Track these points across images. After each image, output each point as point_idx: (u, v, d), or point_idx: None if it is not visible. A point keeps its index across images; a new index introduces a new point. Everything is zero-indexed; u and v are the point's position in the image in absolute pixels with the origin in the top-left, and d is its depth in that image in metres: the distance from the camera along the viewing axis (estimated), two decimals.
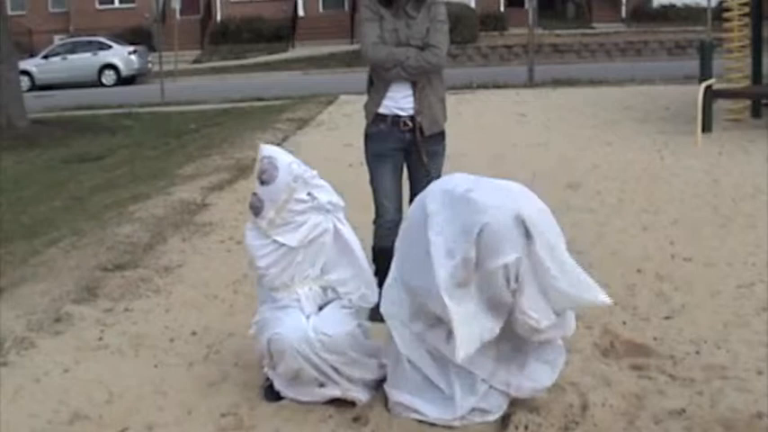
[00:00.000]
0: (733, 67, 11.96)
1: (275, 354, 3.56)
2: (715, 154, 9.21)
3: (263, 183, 3.56)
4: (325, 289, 3.68)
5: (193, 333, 4.59)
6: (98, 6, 35.97)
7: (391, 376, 3.56)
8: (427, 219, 3.29)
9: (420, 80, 4.48)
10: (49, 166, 11.59)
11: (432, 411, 3.42)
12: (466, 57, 28.09)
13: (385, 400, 3.56)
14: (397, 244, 3.54)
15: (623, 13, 33.43)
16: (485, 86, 18.14)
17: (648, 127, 11.31)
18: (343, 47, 30.84)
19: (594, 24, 32.73)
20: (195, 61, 31.91)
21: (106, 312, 4.94)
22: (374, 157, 4.62)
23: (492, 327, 3.26)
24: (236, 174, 9.02)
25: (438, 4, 4.52)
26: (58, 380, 4.03)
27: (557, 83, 18.29)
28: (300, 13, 34.64)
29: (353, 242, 3.71)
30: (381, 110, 4.53)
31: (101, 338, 4.54)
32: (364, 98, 4.73)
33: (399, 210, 4.57)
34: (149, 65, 28.74)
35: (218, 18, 34.61)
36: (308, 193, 3.60)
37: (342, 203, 3.72)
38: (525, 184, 3.46)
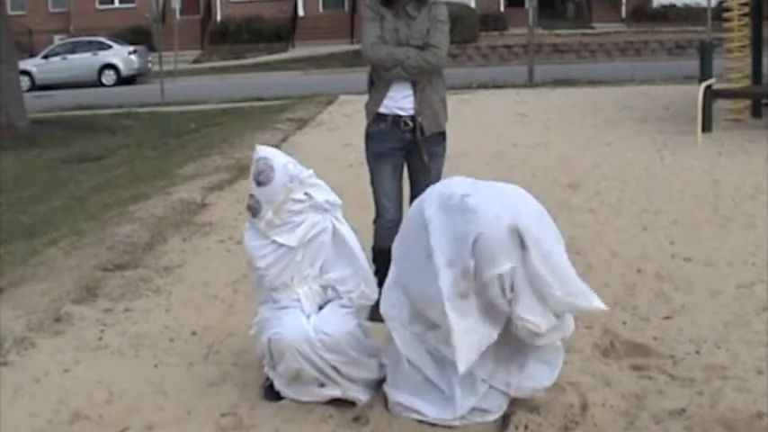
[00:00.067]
0: (733, 67, 11.95)
1: (275, 353, 3.56)
2: (715, 154, 9.21)
3: (259, 184, 3.56)
4: (324, 288, 3.68)
5: (193, 333, 4.59)
6: (98, 6, 36.00)
7: (391, 376, 3.56)
8: (426, 225, 3.30)
9: (420, 80, 4.48)
10: (49, 166, 11.59)
11: (432, 411, 3.42)
12: (466, 57, 28.09)
13: (385, 400, 3.56)
14: (395, 248, 3.54)
15: (623, 13, 33.43)
16: (485, 86, 18.15)
17: (648, 127, 11.31)
18: (343, 47, 30.85)
19: (594, 24, 32.73)
20: (195, 61, 31.92)
21: (106, 312, 4.94)
22: (374, 157, 4.62)
23: (490, 333, 3.28)
24: (236, 174, 9.02)
25: (439, 4, 4.53)
26: (58, 380, 4.03)
27: (557, 83, 18.30)
28: (300, 13, 34.66)
29: (352, 240, 3.71)
30: (382, 109, 4.53)
31: (101, 338, 4.54)
32: (364, 98, 4.73)
33: (399, 209, 4.57)
34: (149, 65, 28.73)
35: (218, 18, 34.62)
36: (305, 193, 3.60)
37: (339, 202, 3.73)
38: (524, 185, 3.46)
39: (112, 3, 36.11)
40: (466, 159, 8.80)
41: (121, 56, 28.04)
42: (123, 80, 27.73)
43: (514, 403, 3.46)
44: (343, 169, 8.66)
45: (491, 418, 3.42)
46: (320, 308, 3.65)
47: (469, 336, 3.21)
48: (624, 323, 4.47)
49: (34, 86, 26.29)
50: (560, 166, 8.88)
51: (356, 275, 3.69)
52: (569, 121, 12.37)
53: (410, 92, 4.50)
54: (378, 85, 4.56)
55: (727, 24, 11.92)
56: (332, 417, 3.54)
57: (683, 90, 13.73)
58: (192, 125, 14.70)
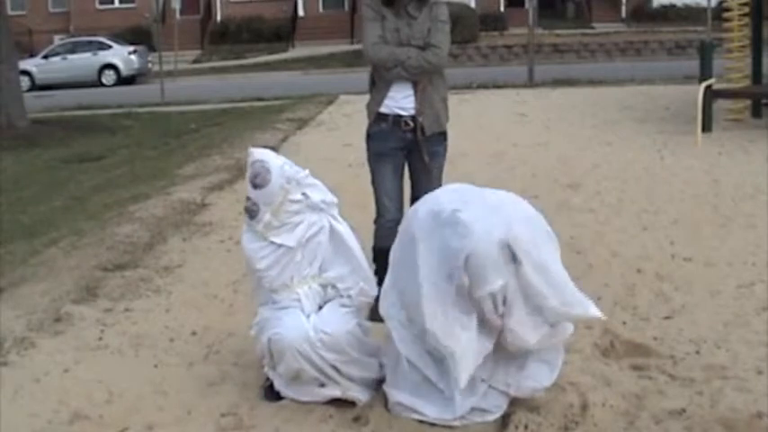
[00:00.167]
0: (733, 67, 11.95)
1: (275, 353, 3.56)
2: (715, 154, 9.21)
3: (256, 186, 3.56)
4: (324, 286, 3.68)
5: (193, 333, 4.59)
6: (98, 6, 35.99)
7: (391, 376, 3.56)
8: (415, 245, 3.32)
9: (421, 80, 4.48)
10: (49, 166, 11.59)
11: (431, 411, 3.43)
12: (466, 57, 28.09)
13: (385, 400, 3.56)
14: (392, 253, 3.55)
15: (623, 13, 33.43)
16: (485, 86, 18.15)
17: (648, 127, 11.31)
18: (343, 47, 30.85)
19: (594, 24, 32.73)
20: (195, 61, 31.92)
21: (106, 312, 4.94)
22: (375, 157, 4.62)
23: (487, 346, 3.31)
24: (236, 174, 9.01)
25: (439, 4, 4.53)
26: (58, 380, 4.03)
27: (557, 83, 18.30)
28: (300, 13, 34.66)
29: (350, 238, 3.72)
30: (383, 109, 4.53)
31: (101, 338, 4.54)
32: (364, 98, 4.73)
33: (400, 209, 4.57)
34: (149, 65, 28.73)
35: (218, 18, 34.62)
36: (303, 193, 3.61)
37: (335, 200, 3.74)
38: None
39: (112, 3, 36.11)
40: (466, 159, 8.81)
41: (121, 56, 28.04)
42: (123, 80, 27.73)
43: (514, 403, 3.46)
44: (343, 169, 8.67)
45: (491, 417, 3.42)
46: (320, 308, 3.66)
47: (468, 353, 3.24)
48: (624, 323, 4.47)
49: (34, 86, 26.28)
50: (560, 166, 8.88)
51: (355, 273, 3.69)
52: (569, 121, 12.36)
53: (411, 92, 4.50)
54: (379, 85, 4.57)
55: (727, 24, 11.92)
56: (332, 417, 3.54)
57: (683, 90, 13.73)
58: (192, 125, 14.70)
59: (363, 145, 4.71)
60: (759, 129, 10.77)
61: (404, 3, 4.46)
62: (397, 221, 4.25)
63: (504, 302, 3.23)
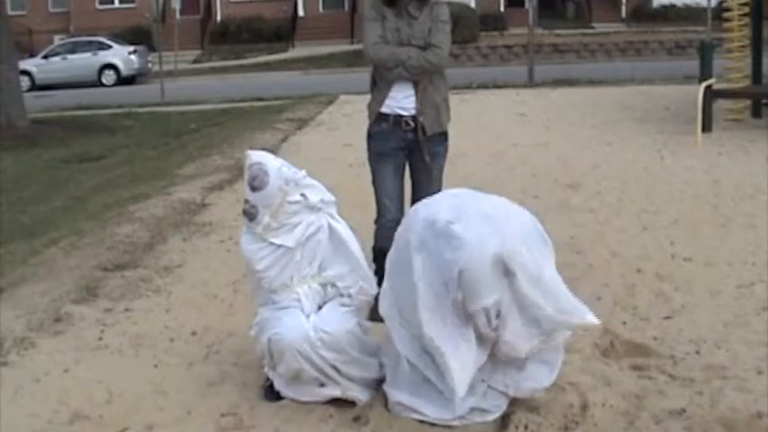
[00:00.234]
0: (733, 67, 11.95)
1: (275, 353, 3.56)
2: (715, 154, 9.21)
3: (254, 189, 3.56)
4: (324, 286, 3.69)
5: (193, 333, 4.59)
6: (98, 6, 36.00)
7: (390, 376, 3.56)
8: (410, 255, 3.33)
9: (422, 80, 4.48)
10: (49, 166, 11.59)
11: (431, 411, 3.43)
12: (466, 57, 28.09)
13: (385, 399, 3.56)
14: (389, 258, 3.55)
15: (623, 13, 33.43)
16: (485, 86, 18.15)
17: (648, 127, 11.31)
18: (343, 47, 30.85)
19: (594, 24, 32.73)
20: (195, 61, 31.92)
21: (106, 312, 4.94)
22: (376, 157, 4.62)
23: (482, 356, 3.32)
24: (236, 174, 9.01)
25: (440, 4, 4.53)
26: (58, 380, 4.03)
27: (557, 83, 18.30)
28: (300, 13, 34.66)
29: (348, 237, 3.72)
30: (383, 109, 4.53)
31: (101, 338, 4.54)
32: (364, 98, 4.73)
33: (401, 209, 4.57)
34: (149, 65, 28.73)
35: (218, 18, 34.62)
36: (301, 194, 3.61)
37: (333, 199, 3.74)
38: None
39: (112, 3, 36.11)
40: (466, 159, 8.81)
41: (121, 56, 28.04)
42: (123, 80, 27.73)
43: (514, 403, 3.46)
44: (343, 169, 8.67)
45: (491, 417, 3.43)
46: (319, 307, 3.66)
47: (464, 363, 3.26)
48: (624, 323, 4.47)
49: (34, 86, 26.28)
50: (560, 166, 8.88)
51: (354, 272, 3.69)
52: (569, 121, 12.36)
53: (412, 92, 4.50)
54: (380, 85, 4.57)
55: (727, 24, 11.92)
56: (332, 417, 3.54)
57: (683, 90, 13.72)
58: (192, 125, 14.70)
59: (363, 145, 4.72)
60: (759, 129, 10.76)
61: (405, 3, 4.46)
62: (398, 222, 4.24)
63: (498, 316, 3.25)
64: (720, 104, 11.35)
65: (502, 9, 33.01)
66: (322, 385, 3.60)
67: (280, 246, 3.59)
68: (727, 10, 11.90)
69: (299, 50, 31.88)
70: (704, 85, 10.52)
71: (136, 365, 4.19)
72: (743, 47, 11.89)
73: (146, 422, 3.58)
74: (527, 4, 21.70)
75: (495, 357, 3.37)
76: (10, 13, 20.15)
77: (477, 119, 12.63)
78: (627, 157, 9.22)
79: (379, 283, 3.66)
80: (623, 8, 33.53)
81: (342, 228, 3.72)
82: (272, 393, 3.70)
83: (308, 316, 3.59)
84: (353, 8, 32.93)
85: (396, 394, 3.50)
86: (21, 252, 6.39)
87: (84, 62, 27.82)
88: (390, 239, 3.67)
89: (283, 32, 33.34)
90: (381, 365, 3.66)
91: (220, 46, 33.30)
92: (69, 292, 5.21)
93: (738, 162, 8.77)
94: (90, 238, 6.62)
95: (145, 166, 10.53)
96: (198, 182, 8.76)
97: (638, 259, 5.56)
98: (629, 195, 7.45)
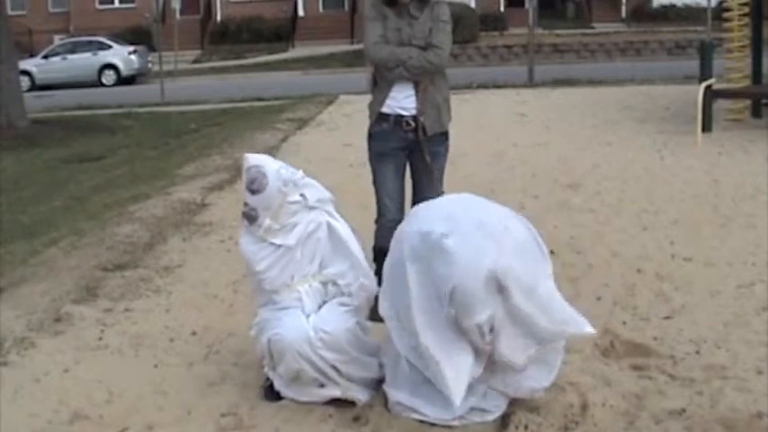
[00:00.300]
0: (733, 67, 11.95)
1: (275, 354, 3.56)
2: (715, 154, 9.21)
3: (253, 192, 3.56)
4: (325, 284, 3.69)
5: (193, 333, 4.59)
6: (98, 6, 36.00)
7: (390, 376, 3.56)
8: (404, 266, 3.33)
9: (423, 80, 4.48)
10: (49, 166, 11.59)
11: (431, 411, 3.43)
12: (466, 57, 28.09)
13: (385, 399, 3.56)
14: (386, 264, 3.55)
15: (623, 13, 33.43)
16: (485, 86, 18.15)
17: (648, 127, 11.31)
18: (343, 47, 30.86)
19: (594, 24, 32.73)
20: (195, 61, 31.92)
21: (106, 312, 4.94)
22: (377, 157, 4.62)
23: (478, 369, 3.33)
24: (235, 174, 9.01)
25: (441, 4, 4.53)
26: (58, 380, 4.03)
27: (557, 83, 18.30)
28: (300, 13, 34.66)
29: (347, 234, 3.73)
30: (384, 109, 4.54)
31: (101, 338, 4.54)
32: (364, 98, 4.73)
33: (401, 209, 4.57)
34: (149, 65, 28.73)
35: (218, 18, 34.62)
36: (301, 194, 3.62)
37: (331, 197, 3.75)
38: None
39: (112, 3, 36.11)
40: (466, 159, 8.81)
41: (121, 56, 28.04)
42: (123, 80, 27.73)
43: (514, 403, 3.46)
44: (343, 169, 8.67)
45: (490, 417, 3.43)
46: (320, 306, 3.66)
47: (460, 372, 3.27)
48: (624, 323, 4.47)
49: (34, 86, 26.29)
50: (560, 166, 8.88)
51: (354, 269, 3.69)
52: (569, 121, 12.36)
53: (412, 92, 4.50)
54: (380, 85, 4.57)
55: (727, 24, 11.92)
56: (332, 417, 3.54)
57: (683, 90, 13.73)
58: (192, 125, 14.70)
59: (363, 145, 4.72)
60: (759, 129, 10.76)
61: (405, 2, 4.46)
62: (398, 221, 4.25)
63: (492, 330, 3.25)
64: (720, 104, 11.35)
65: (502, 9, 33.01)
66: (322, 386, 3.60)
67: (280, 245, 3.59)
68: (727, 10, 11.90)
69: (299, 50, 31.89)
70: (704, 85, 10.52)
71: (136, 365, 4.19)
72: (743, 47, 11.89)
73: (146, 422, 3.58)
74: (527, 4, 21.70)
75: (494, 363, 3.37)
76: (10, 13, 20.14)
77: (477, 119, 12.63)
78: (627, 157, 9.22)
79: (380, 283, 3.66)
80: (623, 8, 33.53)
81: (341, 226, 3.73)
82: (272, 393, 3.70)
83: (308, 316, 3.59)
84: (353, 8, 32.93)
85: (395, 394, 3.50)
86: (21, 252, 6.39)
87: (84, 62, 27.83)
88: (390, 239, 3.67)
89: (283, 32, 33.34)
90: (381, 365, 3.66)
91: (220, 46, 33.31)
92: (69, 292, 5.21)
93: (738, 162, 8.77)
94: (90, 238, 6.63)
95: (145, 166, 10.53)
96: (198, 182, 8.76)
97: (638, 259, 5.55)
98: (629, 195, 7.45)
